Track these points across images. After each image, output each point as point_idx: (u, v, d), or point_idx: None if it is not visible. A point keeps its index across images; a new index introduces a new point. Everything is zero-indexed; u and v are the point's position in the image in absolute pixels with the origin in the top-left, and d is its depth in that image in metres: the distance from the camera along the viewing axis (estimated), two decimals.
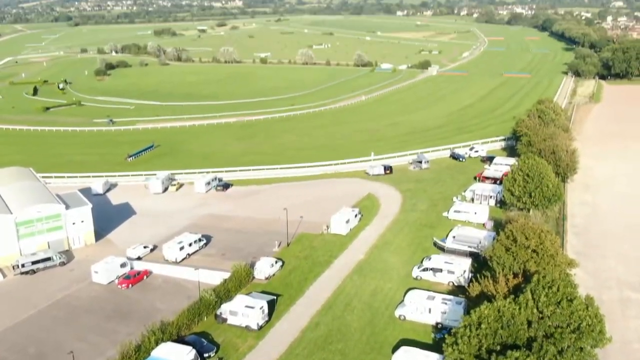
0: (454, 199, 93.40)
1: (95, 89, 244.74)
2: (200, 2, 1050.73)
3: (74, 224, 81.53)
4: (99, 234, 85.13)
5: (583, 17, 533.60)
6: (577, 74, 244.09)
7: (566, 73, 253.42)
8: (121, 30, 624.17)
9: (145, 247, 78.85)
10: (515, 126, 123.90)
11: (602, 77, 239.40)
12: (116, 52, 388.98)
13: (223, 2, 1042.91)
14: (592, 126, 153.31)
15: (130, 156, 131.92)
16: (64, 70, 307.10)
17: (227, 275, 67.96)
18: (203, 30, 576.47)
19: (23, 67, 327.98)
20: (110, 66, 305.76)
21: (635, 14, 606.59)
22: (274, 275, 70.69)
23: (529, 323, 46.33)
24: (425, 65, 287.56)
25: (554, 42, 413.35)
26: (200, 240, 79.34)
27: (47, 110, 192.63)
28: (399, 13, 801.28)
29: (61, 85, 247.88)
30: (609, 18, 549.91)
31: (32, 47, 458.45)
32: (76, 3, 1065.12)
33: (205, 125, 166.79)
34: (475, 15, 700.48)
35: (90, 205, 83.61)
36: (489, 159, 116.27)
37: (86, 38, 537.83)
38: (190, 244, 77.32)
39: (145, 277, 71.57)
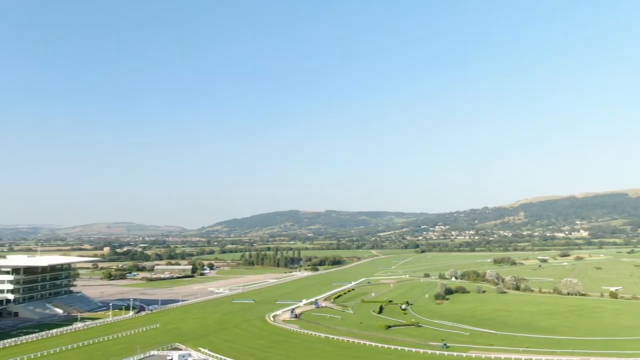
0: None
1: (432, 312, 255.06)
2: (542, 232, 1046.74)
3: None
4: None
5: None
6: None
7: None
8: (462, 258, 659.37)
9: None
10: None
11: None
12: (456, 277, 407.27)
13: (566, 232, 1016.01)
14: None
15: None
16: (407, 292, 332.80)
17: None
18: (544, 260, 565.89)
19: (374, 287, 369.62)
20: (449, 291, 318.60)
21: None
22: None
23: None
24: None
25: None
26: None
27: (389, 329, 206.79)
28: None
29: (403, 306, 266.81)
30: None
31: (383, 270, 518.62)
32: (424, 233, 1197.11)
33: None
34: None
35: None
36: None
37: (429, 263, 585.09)
38: None
39: None
